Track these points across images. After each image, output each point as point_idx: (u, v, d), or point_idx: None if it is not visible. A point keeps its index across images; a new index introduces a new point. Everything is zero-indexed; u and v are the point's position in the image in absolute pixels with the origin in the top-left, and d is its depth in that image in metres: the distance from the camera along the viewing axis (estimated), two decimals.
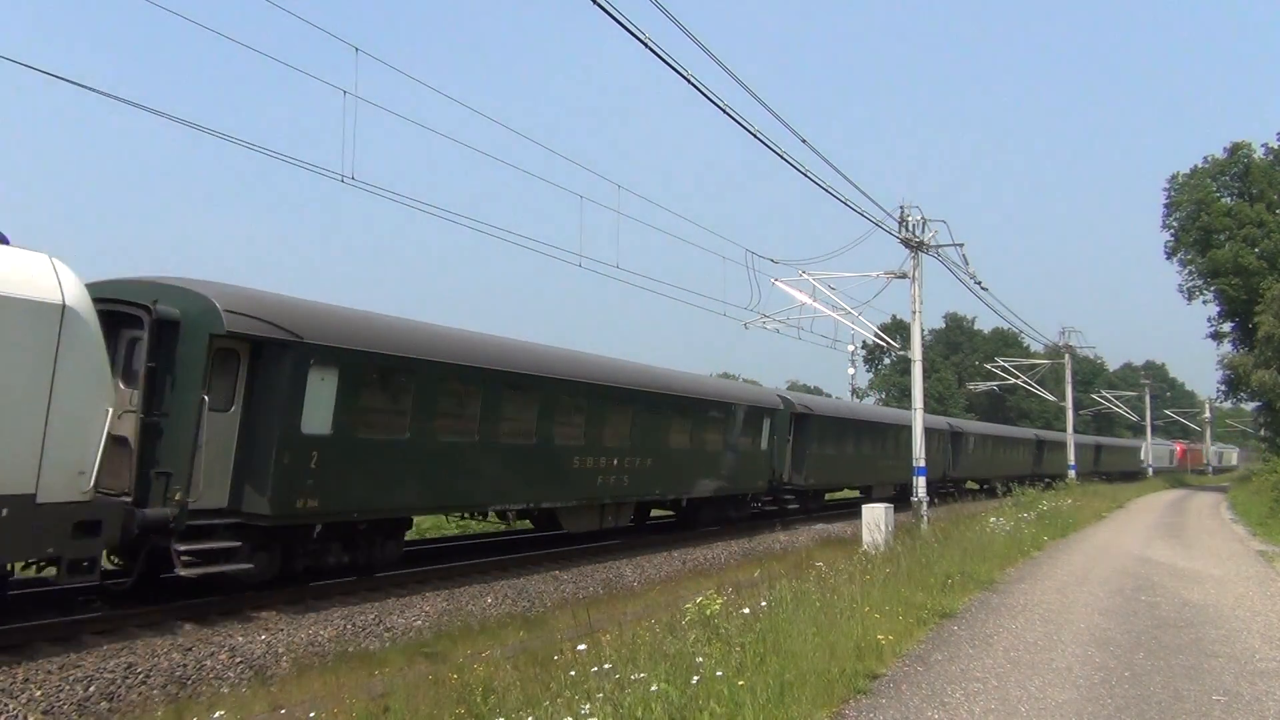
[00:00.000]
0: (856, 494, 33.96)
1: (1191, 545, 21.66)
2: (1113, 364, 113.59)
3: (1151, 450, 79.70)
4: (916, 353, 23.22)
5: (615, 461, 17.99)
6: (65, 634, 10.05)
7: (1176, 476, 79.15)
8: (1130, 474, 70.67)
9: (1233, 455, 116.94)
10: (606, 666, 6.86)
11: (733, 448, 22.45)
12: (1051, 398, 55.48)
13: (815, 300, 24.60)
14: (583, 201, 18.05)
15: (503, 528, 20.73)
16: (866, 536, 18.35)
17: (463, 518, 18.64)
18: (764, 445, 23.88)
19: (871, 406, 46.55)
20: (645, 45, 11.39)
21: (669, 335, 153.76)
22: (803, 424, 26.06)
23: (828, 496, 31.94)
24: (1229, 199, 49.38)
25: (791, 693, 6.77)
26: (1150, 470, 73.76)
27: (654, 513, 23.34)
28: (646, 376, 19.83)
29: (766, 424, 23.92)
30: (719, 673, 6.68)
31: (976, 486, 40.83)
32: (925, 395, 23.87)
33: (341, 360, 12.17)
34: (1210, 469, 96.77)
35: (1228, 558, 19.04)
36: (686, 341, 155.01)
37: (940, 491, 33.70)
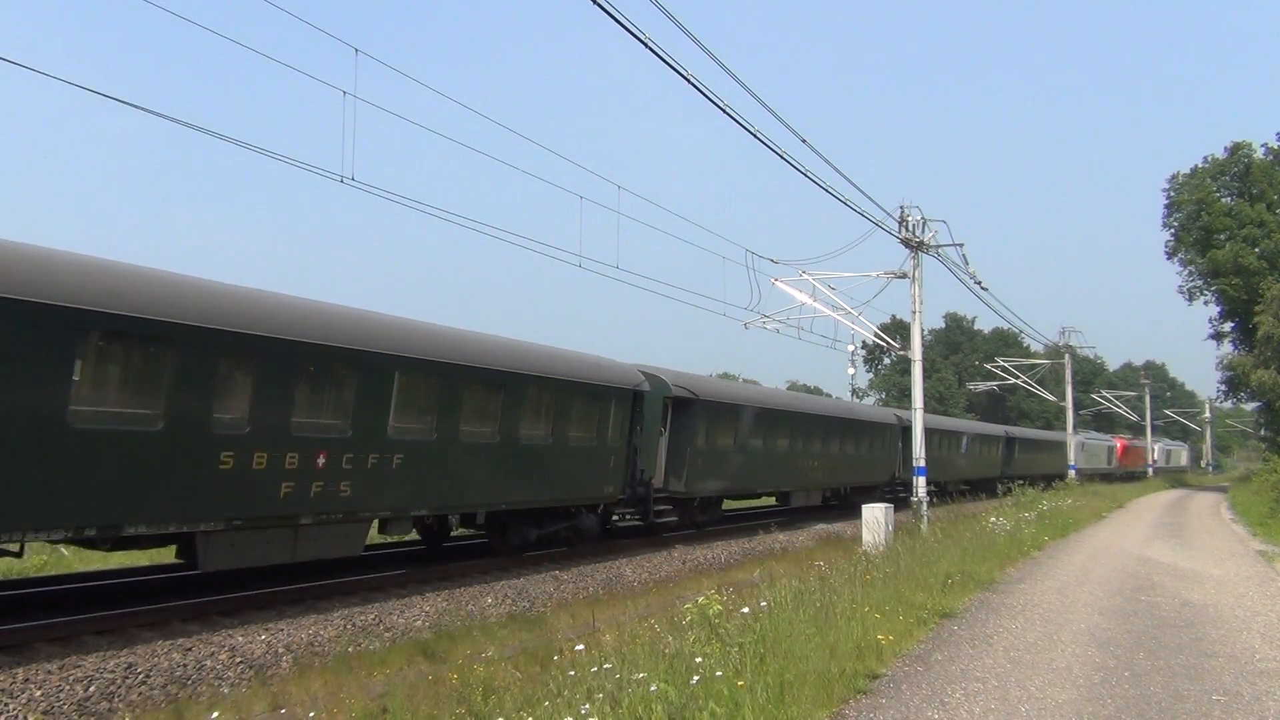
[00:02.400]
0: (773, 502, 28.77)
1: (1191, 545, 21.66)
2: (1113, 364, 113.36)
3: (1084, 446, 57.71)
4: (916, 353, 23.22)
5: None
6: (65, 634, 10.06)
7: (1177, 478, 78.37)
8: (1051, 479, 43.31)
9: (1181, 454, 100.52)
10: (606, 666, 6.86)
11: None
12: (1051, 398, 55.56)
13: (815, 300, 24.61)
14: (582, 201, 18.05)
15: None
16: (867, 536, 18.36)
17: None
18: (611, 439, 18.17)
19: (782, 392, 34.94)
20: (645, 45, 11.39)
21: (669, 335, 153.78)
22: (683, 412, 20.71)
23: (727, 505, 26.27)
24: (1229, 199, 49.33)
25: (791, 693, 6.77)
26: (1074, 473, 48.68)
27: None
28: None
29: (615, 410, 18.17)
30: (718, 673, 6.68)
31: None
32: (925, 395, 23.87)
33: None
34: (1152, 468, 76.20)
35: (1228, 558, 19.03)
36: (686, 342, 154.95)
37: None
